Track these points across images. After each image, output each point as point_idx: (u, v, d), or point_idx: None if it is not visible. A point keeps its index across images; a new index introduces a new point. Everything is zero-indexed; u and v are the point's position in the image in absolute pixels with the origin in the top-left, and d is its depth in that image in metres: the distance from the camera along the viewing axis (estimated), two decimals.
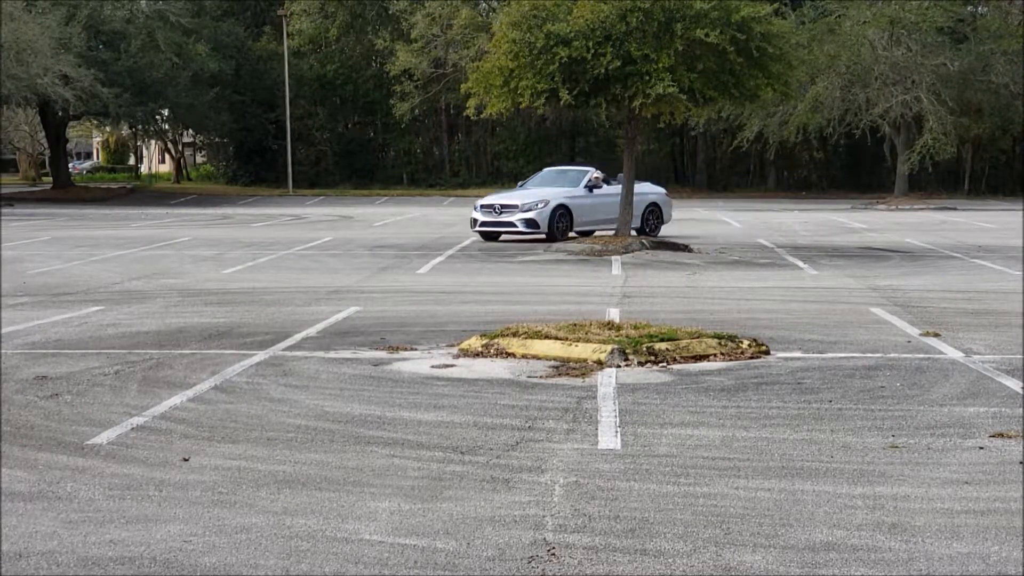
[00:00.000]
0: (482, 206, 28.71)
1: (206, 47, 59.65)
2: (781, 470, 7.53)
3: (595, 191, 29.14)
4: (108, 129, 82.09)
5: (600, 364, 11.05)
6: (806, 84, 47.99)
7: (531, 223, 27.93)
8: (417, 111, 65.77)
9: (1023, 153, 64.78)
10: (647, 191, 30.59)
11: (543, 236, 28.03)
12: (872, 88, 53.05)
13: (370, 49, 69.24)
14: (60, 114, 58.72)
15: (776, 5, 29.43)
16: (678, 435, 8.47)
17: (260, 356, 11.82)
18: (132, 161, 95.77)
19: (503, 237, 28.73)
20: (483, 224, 28.49)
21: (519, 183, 31.44)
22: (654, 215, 30.22)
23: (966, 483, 7.23)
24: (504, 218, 28.14)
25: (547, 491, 7.03)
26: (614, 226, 28.05)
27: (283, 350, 12.24)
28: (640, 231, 29.23)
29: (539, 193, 28.77)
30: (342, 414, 9.20)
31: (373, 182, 67.23)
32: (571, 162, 69.06)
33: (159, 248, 26.78)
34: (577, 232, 28.83)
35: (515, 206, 28.19)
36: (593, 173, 29.73)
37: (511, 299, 17.02)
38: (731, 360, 11.46)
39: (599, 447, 8.12)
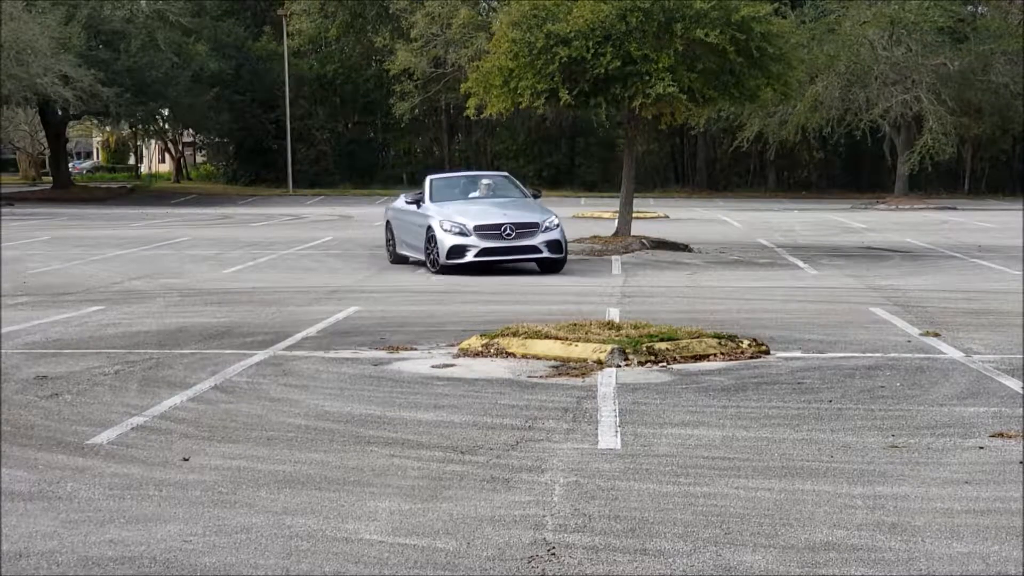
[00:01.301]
0: (478, 228, 20.69)
1: (206, 47, 59.65)
2: (781, 470, 7.53)
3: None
4: (108, 129, 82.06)
5: (600, 364, 11.05)
6: (805, 84, 47.96)
7: (556, 246, 21.01)
8: (417, 111, 65.75)
9: (1023, 153, 64.78)
10: None
11: (560, 262, 21.31)
12: (872, 88, 53.04)
13: (370, 48, 69.23)
14: (60, 114, 58.71)
15: (776, 5, 29.40)
16: (678, 435, 8.47)
17: (260, 356, 11.82)
18: (132, 161, 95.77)
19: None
20: (485, 253, 20.62)
21: (406, 199, 22.92)
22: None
23: (966, 483, 7.23)
24: (521, 242, 20.77)
25: (547, 491, 7.03)
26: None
27: (283, 350, 12.24)
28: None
29: (530, 206, 22.01)
30: (342, 414, 9.20)
31: (373, 182, 67.17)
32: (571, 163, 69.07)
33: (159, 248, 26.77)
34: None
35: (535, 224, 20.96)
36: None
37: (511, 299, 17.02)
38: (731, 360, 11.47)
39: (599, 447, 8.12)
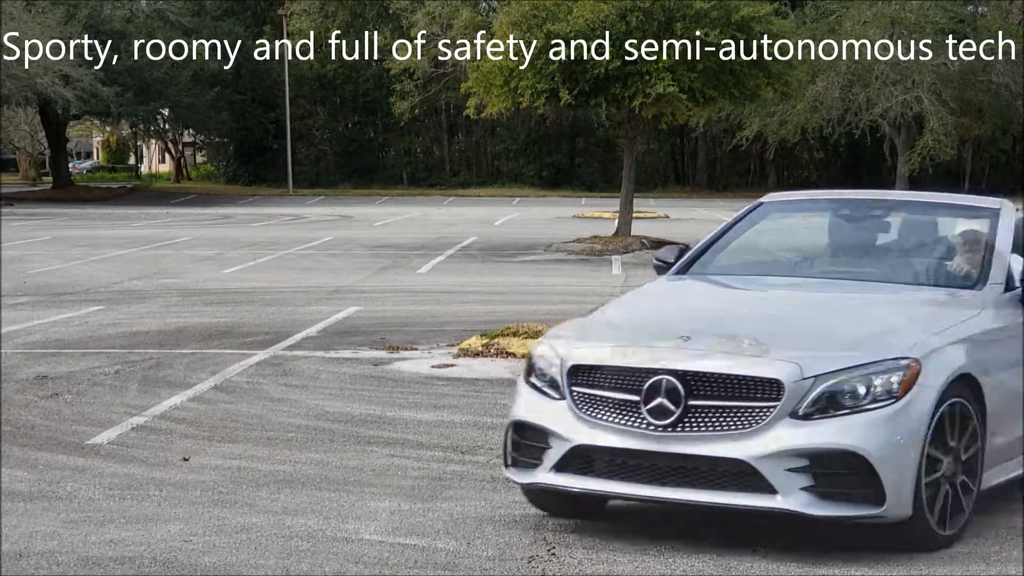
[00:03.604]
0: None
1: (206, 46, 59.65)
2: None
3: None
4: (108, 129, 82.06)
5: None
6: (805, 83, 47.95)
7: None
8: (417, 110, 65.74)
9: (1023, 153, 64.81)
10: None
11: None
12: (872, 88, 53.05)
13: (370, 48, 69.16)
14: (60, 114, 58.71)
15: (776, 5, 29.41)
16: None
17: (260, 356, 11.81)
18: (132, 161, 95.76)
19: None
20: None
21: None
22: None
23: None
24: None
25: None
26: None
27: (283, 350, 12.24)
28: None
29: None
30: (342, 414, 9.20)
31: (373, 182, 67.16)
32: (571, 163, 68.98)
33: (159, 248, 26.76)
34: None
35: None
36: None
37: (511, 299, 17.02)
38: None
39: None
